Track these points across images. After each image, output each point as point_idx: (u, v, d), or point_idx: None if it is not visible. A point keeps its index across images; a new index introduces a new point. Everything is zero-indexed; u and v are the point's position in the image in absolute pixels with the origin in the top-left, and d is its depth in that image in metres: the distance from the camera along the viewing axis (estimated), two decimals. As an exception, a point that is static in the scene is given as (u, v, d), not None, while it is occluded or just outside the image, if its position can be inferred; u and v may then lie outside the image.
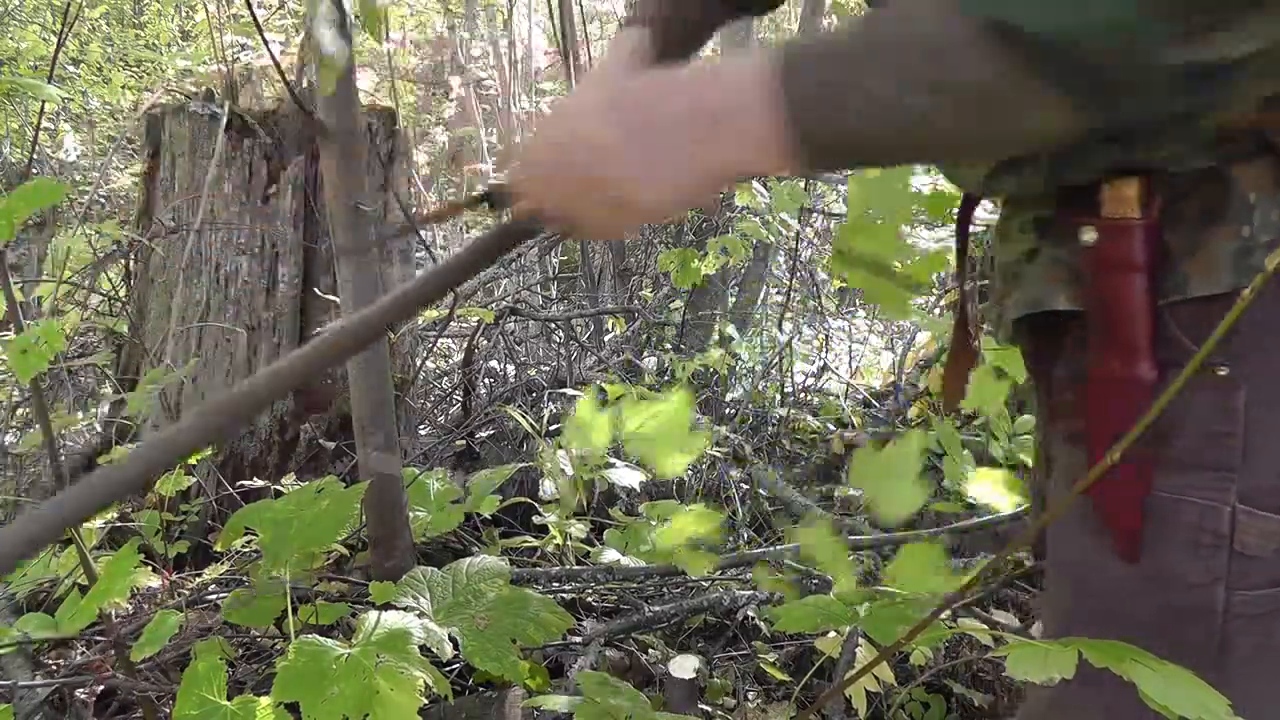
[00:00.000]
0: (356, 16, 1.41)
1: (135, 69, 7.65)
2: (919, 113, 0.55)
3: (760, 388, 3.67)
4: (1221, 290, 0.63)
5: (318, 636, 1.11)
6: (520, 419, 2.21)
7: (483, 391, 3.43)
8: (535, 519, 2.09)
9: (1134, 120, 0.56)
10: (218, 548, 1.69)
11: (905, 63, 0.54)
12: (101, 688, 1.54)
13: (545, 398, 3.14)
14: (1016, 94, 0.53)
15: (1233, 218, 0.63)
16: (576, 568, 2.03)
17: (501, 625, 1.30)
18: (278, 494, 1.90)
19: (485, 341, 3.38)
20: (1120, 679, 0.60)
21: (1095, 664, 0.62)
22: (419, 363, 2.79)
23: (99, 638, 1.70)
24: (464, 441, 2.95)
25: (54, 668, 1.61)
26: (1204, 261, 0.64)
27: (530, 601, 1.35)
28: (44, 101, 1.28)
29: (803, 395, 3.88)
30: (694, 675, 1.49)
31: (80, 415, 2.61)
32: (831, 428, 3.38)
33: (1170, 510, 0.66)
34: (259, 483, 2.01)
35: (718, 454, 2.73)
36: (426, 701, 1.07)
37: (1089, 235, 0.67)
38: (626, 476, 2.07)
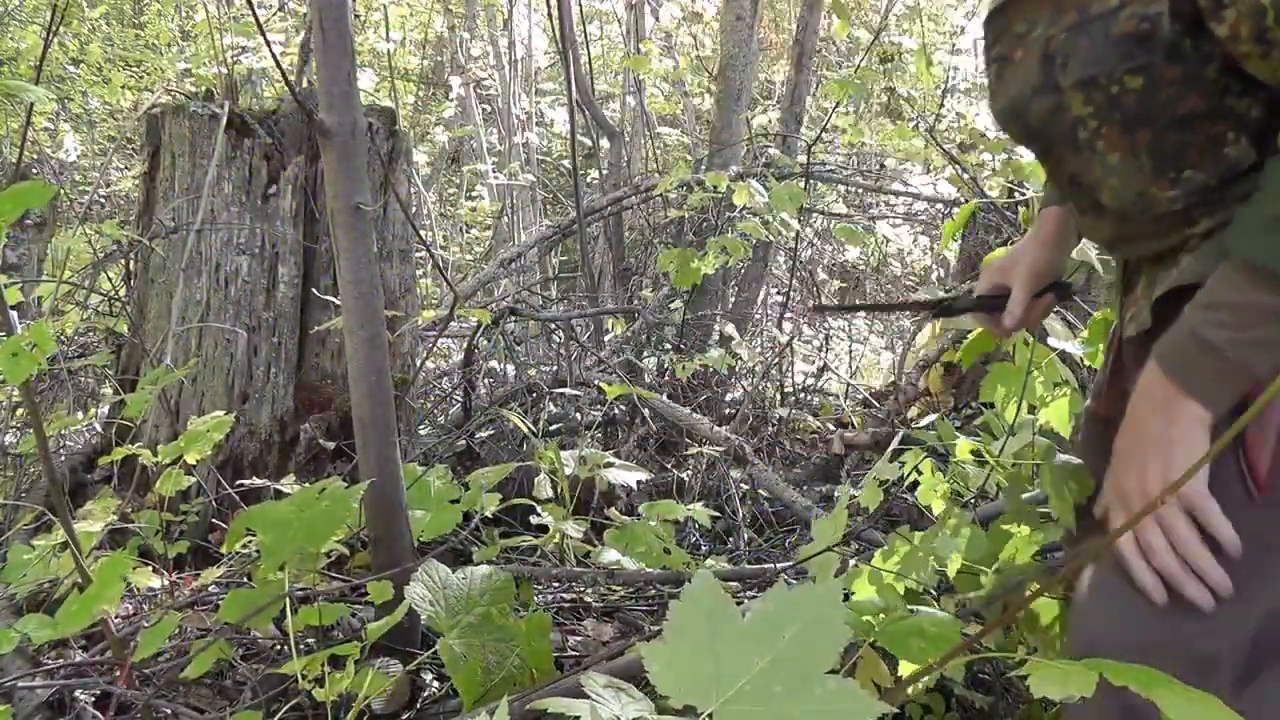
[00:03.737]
0: (357, 16, 1.41)
1: (135, 69, 7.65)
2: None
3: (760, 388, 3.66)
4: None
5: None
6: (518, 421, 2.20)
7: (483, 391, 3.43)
8: (532, 518, 2.08)
9: None
10: (223, 549, 1.69)
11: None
12: (100, 689, 1.54)
13: (546, 398, 3.14)
14: None
15: None
16: (577, 569, 2.03)
17: (502, 665, 1.33)
18: (278, 494, 1.90)
19: (485, 341, 3.38)
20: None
21: (1114, 683, 0.62)
22: (419, 363, 2.79)
23: (97, 639, 1.70)
24: (464, 442, 2.95)
25: (54, 668, 1.61)
26: None
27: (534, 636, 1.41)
28: (32, 103, 1.28)
29: (803, 395, 3.88)
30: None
31: (80, 415, 2.61)
32: (831, 428, 3.38)
33: None
34: (259, 482, 2.01)
35: (717, 454, 2.73)
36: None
37: None
38: (625, 476, 2.07)
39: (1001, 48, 1.04)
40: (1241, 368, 0.89)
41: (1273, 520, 0.92)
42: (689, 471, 2.86)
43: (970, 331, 1.60)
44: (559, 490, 2.00)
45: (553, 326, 3.92)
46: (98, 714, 1.49)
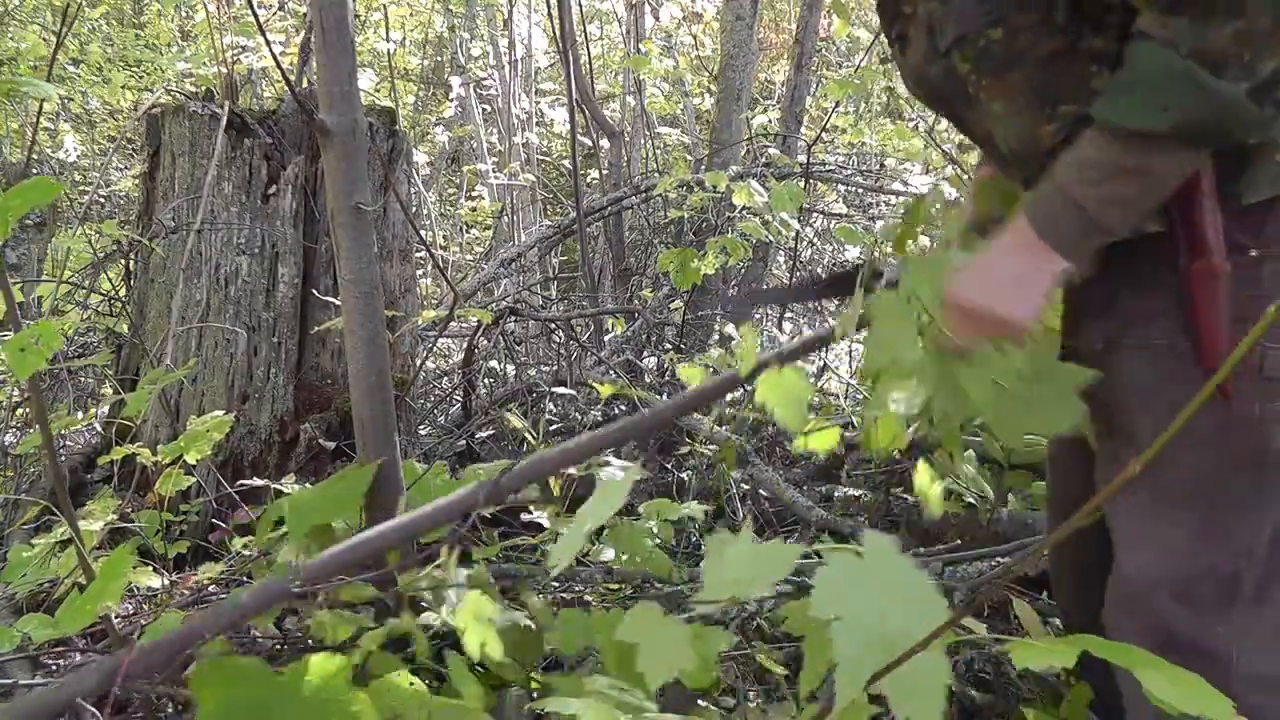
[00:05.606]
0: (357, 15, 1.41)
1: (135, 69, 7.65)
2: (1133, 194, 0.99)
3: (760, 388, 3.66)
4: (1262, 198, 1.00)
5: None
6: (517, 421, 2.20)
7: (483, 391, 3.43)
8: (523, 515, 2.08)
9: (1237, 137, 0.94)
10: (257, 543, 1.70)
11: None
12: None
13: (546, 398, 3.14)
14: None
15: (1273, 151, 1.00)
16: (575, 568, 2.03)
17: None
18: (278, 494, 1.90)
19: (485, 341, 3.38)
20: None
21: (1097, 654, 0.63)
22: (419, 363, 2.79)
23: (99, 638, 1.70)
24: (464, 442, 2.95)
25: (54, 668, 1.61)
26: (1249, 184, 1.01)
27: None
28: (43, 101, 1.28)
29: (803, 395, 3.88)
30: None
31: (80, 415, 2.61)
32: (831, 428, 3.37)
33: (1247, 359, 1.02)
34: (259, 482, 2.01)
35: (716, 453, 2.73)
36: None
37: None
38: (615, 474, 2.06)
39: (899, 28, 1.20)
40: (1098, 222, 1.00)
41: (1258, 438, 1.03)
42: (689, 472, 2.86)
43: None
44: (550, 488, 2.00)
45: (553, 326, 3.93)
46: (97, 713, 1.49)
